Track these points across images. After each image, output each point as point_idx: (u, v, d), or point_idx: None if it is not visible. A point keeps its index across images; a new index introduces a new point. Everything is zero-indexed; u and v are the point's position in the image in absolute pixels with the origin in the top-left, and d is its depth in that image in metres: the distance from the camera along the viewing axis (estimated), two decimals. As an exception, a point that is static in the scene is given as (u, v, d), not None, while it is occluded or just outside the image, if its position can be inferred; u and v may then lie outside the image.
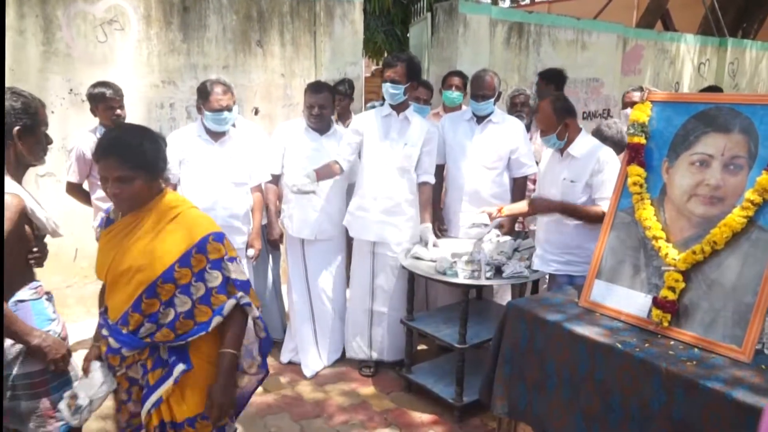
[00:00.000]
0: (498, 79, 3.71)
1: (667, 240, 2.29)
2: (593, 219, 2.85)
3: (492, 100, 3.66)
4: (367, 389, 3.50)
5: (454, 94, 4.15)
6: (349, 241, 3.76)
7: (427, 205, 3.51)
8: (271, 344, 2.11)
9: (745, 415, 1.74)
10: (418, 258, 3.33)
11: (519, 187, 3.76)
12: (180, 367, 1.86)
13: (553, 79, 4.52)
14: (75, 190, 3.62)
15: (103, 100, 3.39)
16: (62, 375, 2.00)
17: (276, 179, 3.68)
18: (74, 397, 1.86)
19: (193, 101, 3.65)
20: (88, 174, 3.50)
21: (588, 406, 2.21)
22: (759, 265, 2.03)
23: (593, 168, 2.89)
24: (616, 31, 6.85)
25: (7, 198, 1.87)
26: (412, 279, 3.36)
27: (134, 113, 4.13)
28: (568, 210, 2.92)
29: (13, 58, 3.82)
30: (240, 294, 1.90)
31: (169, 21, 4.33)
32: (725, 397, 1.79)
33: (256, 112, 4.78)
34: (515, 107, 4.28)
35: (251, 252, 3.47)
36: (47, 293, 2.07)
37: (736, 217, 2.09)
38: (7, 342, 1.91)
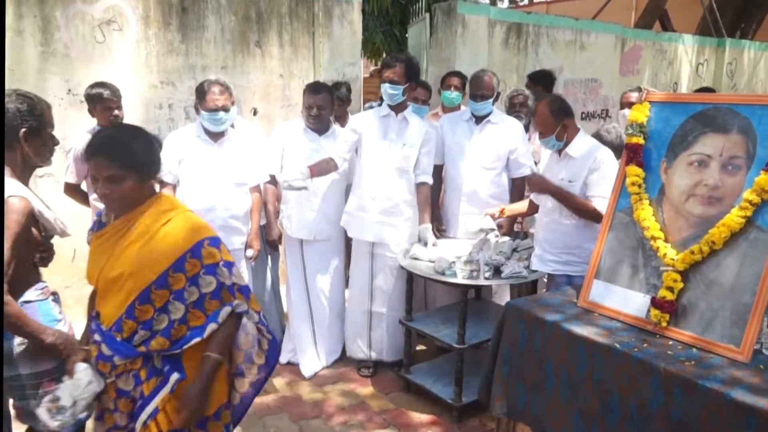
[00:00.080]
0: (497, 80, 3.71)
1: (666, 240, 2.29)
2: (584, 212, 2.87)
3: (491, 100, 3.67)
4: (366, 389, 3.50)
5: (453, 95, 4.15)
6: (347, 242, 3.76)
7: (426, 205, 3.51)
8: (278, 348, 2.07)
9: (743, 415, 1.74)
10: (416, 258, 3.33)
11: (518, 188, 3.76)
12: (175, 376, 1.82)
13: (541, 81, 4.53)
14: (73, 190, 3.62)
15: (101, 101, 3.39)
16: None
17: (275, 180, 3.68)
18: (56, 399, 1.78)
19: (191, 102, 3.65)
20: (86, 175, 3.50)
21: (586, 406, 2.21)
22: (757, 265, 2.03)
23: (590, 167, 2.90)
24: (614, 32, 6.86)
25: (14, 200, 1.88)
26: (410, 279, 3.36)
27: (133, 114, 4.12)
28: (562, 195, 2.91)
29: (11, 58, 3.81)
30: (236, 302, 1.86)
31: (167, 21, 4.33)
32: (724, 397, 1.79)
33: (255, 113, 4.78)
34: (514, 107, 4.28)
35: (250, 252, 3.46)
36: (53, 294, 2.09)
37: (735, 217, 2.09)
38: (15, 341, 1.92)
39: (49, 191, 3.94)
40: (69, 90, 4.03)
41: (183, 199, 3.30)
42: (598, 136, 3.43)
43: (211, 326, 1.82)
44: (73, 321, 2.13)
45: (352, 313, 3.69)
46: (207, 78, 3.40)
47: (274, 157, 3.63)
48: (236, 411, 2.04)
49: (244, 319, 1.95)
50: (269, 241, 3.72)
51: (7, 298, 1.85)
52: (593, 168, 2.89)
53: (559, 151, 3.03)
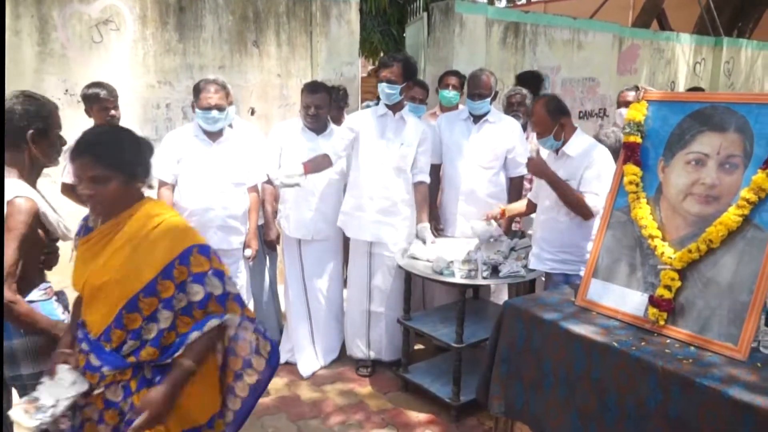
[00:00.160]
0: (494, 79, 3.72)
1: (663, 239, 2.29)
2: (575, 205, 2.90)
3: (488, 99, 3.67)
4: (364, 389, 3.50)
5: (451, 94, 4.15)
6: (346, 241, 3.75)
7: (424, 204, 3.51)
8: (278, 353, 2.00)
9: (741, 413, 1.75)
10: (415, 257, 3.33)
11: (515, 187, 3.77)
12: None
13: (529, 82, 4.53)
14: (70, 190, 3.61)
15: (98, 101, 3.38)
16: None
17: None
18: (34, 400, 1.72)
19: (189, 101, 3.65)
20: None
21: (584, 405, 2.21)
22: (754, 263, 2.03)
23: (585, 164, 2.91)
24: (612, 31, 6.86)
25: (20, 201, 1.91)
26: (408, 279, 3.36)
27: (130, 114, 4.12)
28: (557, 183, 2.93)
29: (8, 58, 3.80)
30: (227, 315, 1.79)
31: (165, 21, 4.33)
32: (721, 395, 1.79)
33: (252, 113, 4.78)
34: (512, 107, 4.28)
35: (248, 252, 3.46)
36: (57, 293, 2.10)
37: (732, 215, 2.09)
38: (15, 341, 1.93)
39: (46, 192, 3.91)
40: (66, 90, 4.02)
41: (181, 199, 3.30)
42: (597, 140, 3.44)
43: (194, 335, 1.74)
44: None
45: (350, 312, 3.69)
46: (204, 77, 3.40)
47: (272, 157, 3.62)
48: (237, 417, 1.98)
49: (239, 330, 1.88)
50: (267, 242, 3.72)
51: (17, 297, 1.89)
52: (588, 165, 2.91)
53: (557, 151, 3.03)
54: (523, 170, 3.70)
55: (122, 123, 3.47)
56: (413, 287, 3.50)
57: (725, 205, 2.15)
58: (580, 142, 3.00)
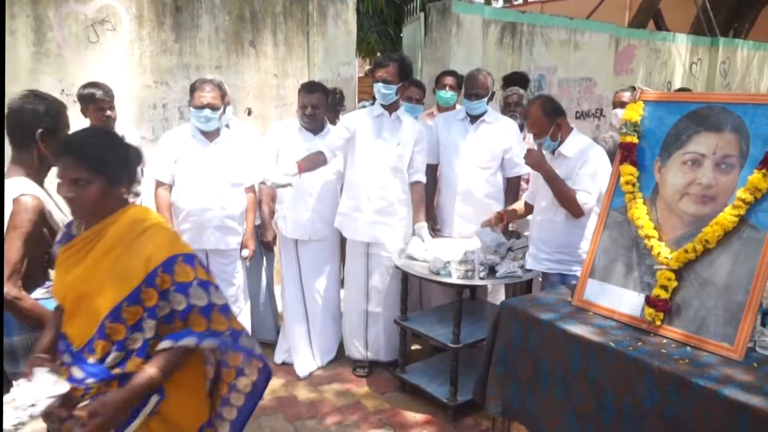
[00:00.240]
0: (491, 79, 3.72)
1: (660, 239, 2.30)
2: (567, 201, 2.91)
3: (485, 99, 3.67)
4: (361, 389, 3.50)
5: (448, 94, 4.14)
6: (343, 242, 3.75)
7: (421, 204, 3.51)
8: (268, 376, 1.93)
9: (737, 413, 1.75)
10: (412, 257, 3.33)
11: (512, 187, 3.77)
12: (155, 397, 1.69)
13: (516, 83, 4.52)
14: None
15: (93, 101, 3.37)
16: None
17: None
18: (10, 401, 1.61)
19: (185, 101, 3.65)
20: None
21: (581, 405, 2.21)
22: (750, 263, 2.04)
23: (581, 163, 2.92)
24: (608, 31, 6.88)
25: (27, 199, 1.95)
26: (405, 279, 3.36)
27: (126, 114, 4.11)
28: (552, 178, 2.93)
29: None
30: (208, 342, 1.69)
31: (161, 21, 4.32)
32: (717, 395, 1.80)
33: (249, 113, 4.77)
34: (509, 107, 4.28)
35: (245, 253, 3.46)
36: None
37: (728, 215, 2.09)
38: (16, 338, 1.94)
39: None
40: (62, 90, 4.01)
41: (179, 199, 3.30)
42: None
43: (166, 343, 1.66)
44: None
45: (348, 313, 3.68)
46: (201, 77, 3.39)
47: (269, 157, 3.62)
48: (234, 425, 1.93)
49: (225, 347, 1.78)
50: (264, 242, 3.72)
51: (22, 293, 1.91)
52: (583, 164, 2.92)
53: (553, 151, 3.04)
54: (520, 170, 3.70)
55: (119, 123, 3.46)
56: (410, 287, 3.50)
57: (721, 205, 2.15)
58: (576, 142, 3.01)
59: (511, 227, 3.84)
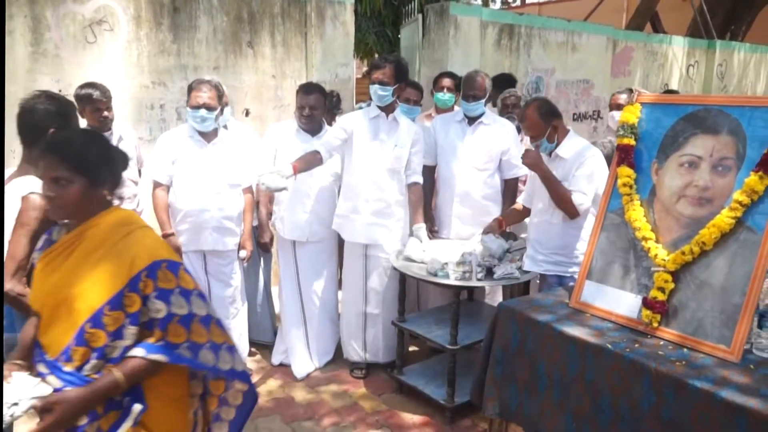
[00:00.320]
0: (489, 81, 3.72)
1: (657, 241, 2.30)
2: (562, 202, 2.91)
3: (483, 101, 3.67)
4: (359, 391, 3.49)
5: (446, 96, 4.13)
6: (340, 243, 3.75)
7: (419, 205, 3.52)
8: (254, 398, 1.88)
9: (733, 415, 1.75)
10: (410, 258, 3.33)
11: (510, 189, 3.77)
12: (137, 407, 1.62)
13: (503, 84, 4.53)
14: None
15: (90, 102, 3.36)
16: None
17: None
18: None
19: (183, 102, 3.63)
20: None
21: (578, 407, 2.21)
22: (747, 265, 2.04)
23: (578, 164, 2.93)
24: (605, 33, 6.89)
25: (34, 197, 1.98)
26: (403, 280, 3.36)
27: (124, 114, 4.10)
28: (549, 179, 2.94)
29: (0, 58, 3.79)
30: (182, 353, 1.62)
31: (159, 22, 4.31)
32: (714, 397, 1.80)
33: (247, 114, 4.77)
34: (506, 108, 4.29)
35: (243, 253, 3.46)
36: None
37: (725, 217, 2.10)
38: (18, 334, 1.94)
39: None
40: (60, 90, 3.98)
41: (176, 200, 3.29)
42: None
43: (138, 350, 1.60)
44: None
45: (346, 315, 3.68)
46: (199, 77, 3.39)
47: (267, 158, 3.62)
48: None
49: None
50: (260, 244, 3.72)
51: (27, 289, 1.92)
52: (579, 165, 2.93)
53: (550, 153, 3.04)
54: (517, 172, 3.70)
55: (116, 124, 3.46)
56: (408, 289, 3.50)
57: (718, 208, 2.16)
58: (573, 144, 3.02)
59: (508, 228, 3.84)
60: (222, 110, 3.38)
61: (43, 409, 1.53)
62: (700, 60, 8.20)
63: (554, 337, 2.31)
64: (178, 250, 3.25)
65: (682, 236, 2.24)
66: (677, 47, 7.86)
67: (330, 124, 4.01)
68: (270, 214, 3.73)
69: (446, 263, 3.08)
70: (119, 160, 1.74)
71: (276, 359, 3.77)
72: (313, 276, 3.68)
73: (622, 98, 3.87)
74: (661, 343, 2.16)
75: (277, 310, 4.02)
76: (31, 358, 1.70)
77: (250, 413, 1.91)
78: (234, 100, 4.55)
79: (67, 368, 1.58)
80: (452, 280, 3.03)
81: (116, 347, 1.60)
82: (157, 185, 3.31)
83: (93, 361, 1.58)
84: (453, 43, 5.59)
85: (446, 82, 4.15)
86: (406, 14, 6.69)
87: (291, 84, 4.83)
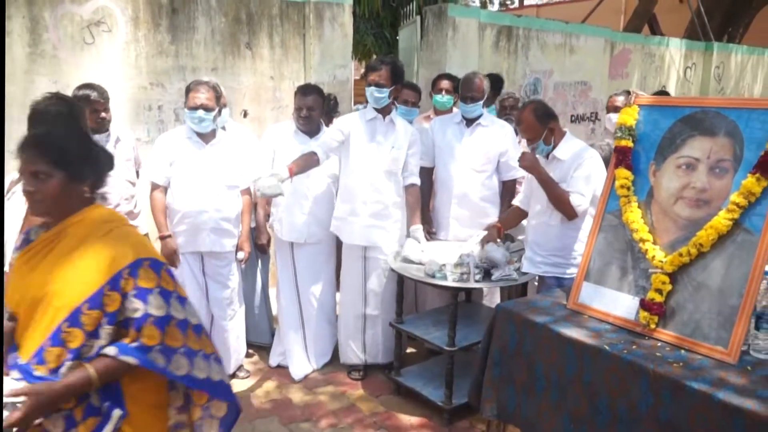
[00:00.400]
0: (487, 82, 3.72)
1: (654, 242, 2.30)
2: (560, 203, 2.91)
3: (480, 102, 3.68)
4: (356, 392, 3.49)
5: (445, 98, 4.13)
6: (338, 245, 3.75)
7: (416, 206, 3.52)
8: (238, 411, 1.80)
9: (731, 417, 1.75)
10: (408, 259, 3.33)
11: (508, 190, 3.77)
12: (117, 413, 1.57)
13: (491, 85, 4.53)
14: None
15: (88, 103, 3.35)
16: None
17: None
18: None
19: (181, 103, 3.63)
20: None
21: (576, 408, 2.21)
22: (744, 267, 2.05)
23: (576, 166, 2.93)
24: (603, 35, 6.91)
25: None
26: (401, 282, 3.36)
27: (122, 115, 4.10)
28: (546, 180, 2.94)
29: (-2, 59, 3.79)
30: (152, 364, 1.55)
31: (157, 23, 4.31)
32: (711, 399, 1.80)
33: (245, 115, 4.77)
34: (504, 110, 4.29)
35: (241, 255, 3.45)
36: None
37: (722, 219, 2.10)
38: None
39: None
40: (57, 91, 3.98)
41: (174, 201, 3.29)
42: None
43: (111, 349, 1.53)
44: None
45: (345, 317, 3.67)
46: (197, 79, 3.39)
47: (265, 160, 3.61)
48: None
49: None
50: (258, 245, 3.71)
51: None
52: (577, 167, 2.93)
53: (547, 155, 3.04)
54: (515, 174, 3.70)
55: (114, 125, 3.45)
56: (406, 290, 3.50)
57: (715, 209, 2.16)
58: (570, 145, 3.02)
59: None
60: (220, 111, 3.38)
61: (11, 394, 1.46)
62: (698, 62, 8.22)
63: (552, 339, 2.31)
64: (175, 252, 3.25)
65: (680, 238, 2.24)
66: (675, 49, 7.88)
67: (328, 126, 4.01)
68: (268, 215, 3.72)
69: (444, 265, 3.08)
70: (103, 159, 1.70)
71: (273, 361, 3.77)
72: (310, 278, 3.68)
73: (619, 100, 3.88)
74: (659, 344, 2.16)
75: (274, 311, 4.02)
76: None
77: (233, 425, 1.84)
78: (232, 101, 4.55)
79: (38, 372, 1.50)
80: (450, 282, 3.03)
81: (92, 348, 1.54)
82: (154, 187, 3.30)
83: (68, 363, 1.52)
84: (451, 44, 5.59)
85: (445, 84, 4.15)
86: (405, 16, 6.70)
87: (289, 85, 4.83)
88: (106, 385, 1.56)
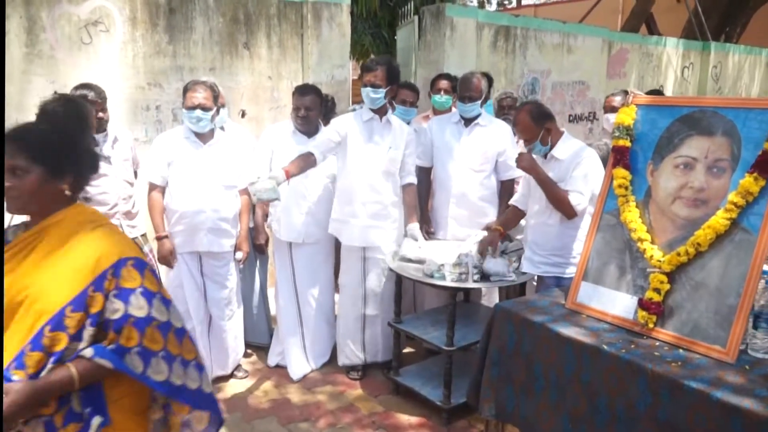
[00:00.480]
0: (485, 82, 3.72)
1: (652, 242, 2.31)
2: (560, 203, 2.91)
3: (479, 102, 3.67)
4: (355, 392, 3.49)
5: (443, 98, 4.13)
6: (337, 245, 3.75)
7: (414, 205, 3.53)
8: (220, 422, 1.72)
9: (729, 416, 1.76)
10: (405, 259, 3.33)
11: (507, 190, 3.77)
12: (97, 420, 1.51)
13: None
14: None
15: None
16: None
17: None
18: None
19: (179, 103, 3.63)
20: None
21: (575, 408, 2.22)
22: (742, 266, 2.05)
23: (574, 165, 2.93)
24: (601, 35, 6.91)
25: None
26: (399, 281, 3.36)
27: (119, 116, 4.09)
28: (545, 180, 2.94)
29: (-5, 59, 3.78)
30: (135, 364, 1.50)
31: (155, 23, 4.31)
32: (709, 398, 1.81)
33: (243, 115, 4.76)
34: (502, 110, 4.29)
35: (239, 255, 3.45)
36: None
37: (720, 219, 2.11)
38: None
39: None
40: (55, 92, 3.97)
41: (172, 201, 3.28)
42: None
43: (89, 351, 1.47)
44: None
45: (344, 318, 3.66)
46: (194, 78, 3.39)
47: (263, 160, 3.61)
48: None
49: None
50: (256, 246, 3.71)
51: None
52: (576, 166, 2.94)
53: (545, 155, 3.05)
54: (514, 173, 3.70)
55: (111, 125, 3.45)
56: (404, 290, 3.50)
57: (713, 209, 2.16)
58: (568, 145, 3.02)
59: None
60: (218, 111, 3.38)
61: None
62: (695, 62, 8.23)
63: (550, 339, 2.31)
64: (171, 252, 3.25)
65: (678, 237, 2.25)
66: (672, 49, 7.89)
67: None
68: (266, 215, 3.72)
69: (442, 264, 3.08)
70: (87, 158, 1.63)
71: (272, 361, 3.77)
72: (309, 277, 3.68)
73: (617, 101, 3.89)
74: (657, 344, 2.16)
75: (273, 311, 4.01)
76: None
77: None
78: (230, 101, 4.55)
79: (17, 377, 1.43)
80: (448, 282, 3.04)
81: (73, 349, 1.48)
82: (152, 187, 3.30)
83: (50, 367, 1.45)
84: (449, 44, 5.59)
85: (443, 83, 4.15)
86: (402, 16, 6.70)
87: (287, 85, 4.83)
88: (88, 390, 1.51)
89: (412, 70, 5.89)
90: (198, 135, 3.29)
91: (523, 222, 3.35)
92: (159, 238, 3.24)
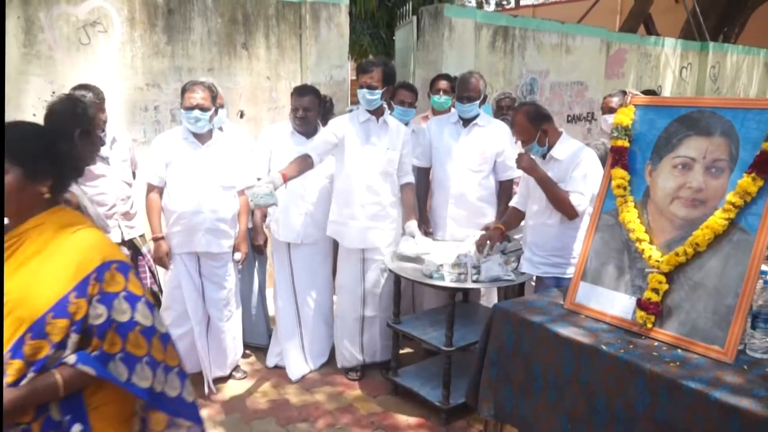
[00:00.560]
0: (483, 82, 3.72)
1: (651, 242, 2.31)
2: (560, 203, 2.91)
3: (477, 102, 3.67)
4: (354, 392, 3.49)
5: (442, 99, 4.12)
6: (335, 246, 3.75)
7: (412, 204, 3.53)
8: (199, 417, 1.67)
9: (727, 416, 1.76)
10: (403, 256, 3.32)
11: (505, 190, 3.78)
12: (77, 428, 1.46)
13: None
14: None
15: (84, 103, 3.35)
16: None
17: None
18: None
19: (177, 104, 3.63)
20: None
21: (573, 408, 2.22)
22: (740, 266, 2.05)
23: (574, 165, 2.93)
24: (599, 35, 6.92)
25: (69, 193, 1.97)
26: (398, 282, 3.36)
27: (118, 116, 4.09)
28: (545, 181, 2.94)
29: (-7, 60, 3.77)
30: (119, 371, 1.46)
31: (153, 23, 4.30)
32: (708, 398, 1.81)
33: (242, 115, 4.76)
34: (501, 110, 4.29)
35: (238, 256, 3.45)
36: None
37: (718, 219, 2.11)
38: None
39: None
40: (53, 92, 3.98)
41: (170, 202, 3.28)
42: None
43: (73, 358, 1.44)
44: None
45: (342, 319, 3.65)
46: (193, 79, 3.39)
47: (262, 161, 3.61)
48: None
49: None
50: (254, 246, 3.71)
51: None
52: (575, 166, 2.94)
53: (543, 156, 3.05)
54: (512, 174, 3.71)
55: (110, 126, 3.44)
56: (403, 291, 3.50)
57: (712, 209, 2.17)
58: (567, 146, 3.02)
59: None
60: (216, 111, 3.37)
61: None
62: (693, 62, 8.24)
63: (549, 339, 2.31)
64: (167, 254, 3.25)
65: (676, 237, 2.25)
66: (670, 49, 7.89)
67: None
68: (265, 216, 3.72)
69: (441, 265, 3.08)
70: (68, 162, 1.58)
71: (271, 361, 3.77)
72: (307, 278, 3.67)
73: (614, 101, 3.89)
74: (656, 344, 2.16)
75: (271, 312, 4.01)
76: None
77: None
78: (228, 101, 4.54)
79: None
80: (447, 282, 3.04)
81: (56, 358, 1.44)
82: (150, 188, 3.30)
83: (30, 375, 1.41)
84: (447, 45, 5.59)
85: (442, 84, 4.15)
86: (401, 16, 6.70)
87: (286, 86, 4.83)
88: (68, 397, 1.46)
89: (411, 71, 5.89)
90: (196, 135, 3.29)
91: (522, 222, 3.35)
92: (155, 239, 3.24)
